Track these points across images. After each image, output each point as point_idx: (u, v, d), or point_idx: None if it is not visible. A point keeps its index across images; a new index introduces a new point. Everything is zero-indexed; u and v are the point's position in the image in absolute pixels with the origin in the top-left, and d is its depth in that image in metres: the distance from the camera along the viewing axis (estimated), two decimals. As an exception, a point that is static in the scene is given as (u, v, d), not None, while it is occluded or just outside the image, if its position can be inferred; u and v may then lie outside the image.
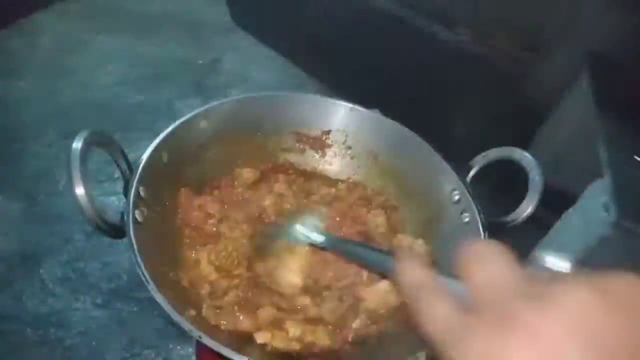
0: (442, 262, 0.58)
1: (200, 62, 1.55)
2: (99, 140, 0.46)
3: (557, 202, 1.14)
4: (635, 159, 1.02)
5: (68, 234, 1.10)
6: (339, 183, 0.68)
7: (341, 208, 0.61)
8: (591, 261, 0.95)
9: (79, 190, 0.43)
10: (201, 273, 0.52)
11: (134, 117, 1.27)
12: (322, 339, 0.51)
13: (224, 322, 0.48)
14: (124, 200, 0.49)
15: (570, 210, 1.10)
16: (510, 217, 0.56)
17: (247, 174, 0.63)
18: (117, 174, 1.13)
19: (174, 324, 0.43)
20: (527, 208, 0.55)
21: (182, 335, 1.00)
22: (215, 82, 1.47)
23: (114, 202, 1.13)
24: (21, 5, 1.57)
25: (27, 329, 0.96)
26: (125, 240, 1.07)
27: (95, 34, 1.56)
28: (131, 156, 0.54)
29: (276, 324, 0.50)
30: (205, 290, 0.51)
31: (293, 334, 0.50)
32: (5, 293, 1.00)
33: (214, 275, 0.52)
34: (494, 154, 0.59)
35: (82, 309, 1.00)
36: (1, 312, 0.97)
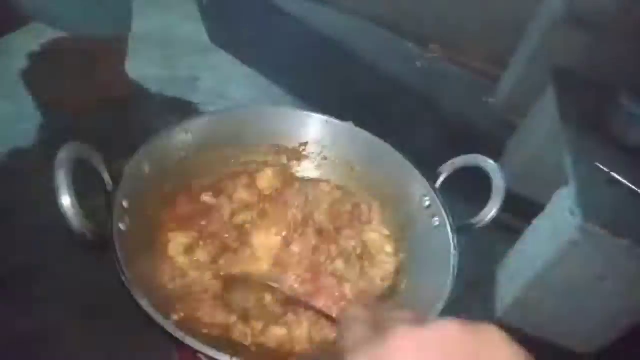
0: (413, 267, 0.61)
1: (177, 81, 1.57)
2: (83, 152, 0.48)
3: (527, 210, 1.20)
4: (597, 165, 1.08)
5: (45, 251, 1.09)
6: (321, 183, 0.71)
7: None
8: (562, 263, 1.00)
9: (65, 201, 0.44)
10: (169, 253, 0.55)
11: (110, 134, 1.27)
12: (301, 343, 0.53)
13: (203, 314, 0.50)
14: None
15: (540, 217, 1.15)
16: (476, 220, 0.59)
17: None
18: (83, 189, 1.13)
19: (155, 327, 0.44)
20: (491, 210, 0.59)
21: (161, 350, 1.00)
22: (194, 100, 1.49)
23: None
24: (-3, 26, 1.57)
25: (10, 347, 0.95)
26: (106, 253, 1.07)
27: (68, 56, 1.57)
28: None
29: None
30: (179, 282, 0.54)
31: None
32: (-10, 311, 0.98)
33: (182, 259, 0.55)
34: (460, 161, 0.63)
35: (65, 326, 0.99)
36: (-16, 330, 0.96)
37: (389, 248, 0.65)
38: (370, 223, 0.68)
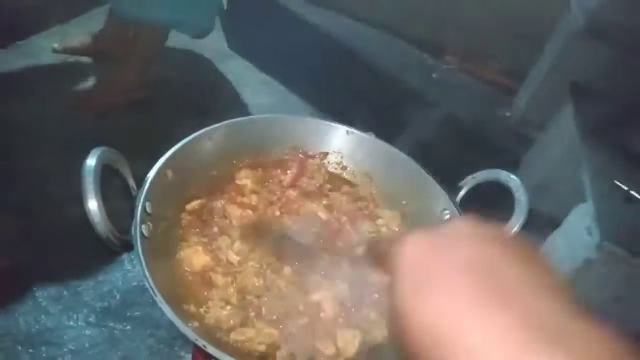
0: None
1: (198, 86, 1.59)
2: (110, 158, 0.48)
3: (542, 226, 1.18)
4: (616, 183, 1.07)
5: (62, 252, 1.10)
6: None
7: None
8: (577, 282, 0.98)
9: (92, 206, 0.45)
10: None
11: (131, 138, 1.29)
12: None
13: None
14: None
15: (555, 233, 1.14)
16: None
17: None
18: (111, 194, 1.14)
19: (175, 335, 0.45)
20: (513, 227, 0.58)
21: (174, 354, 1.00)
22: (212, 105, 1.50)
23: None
24: (20, 26, 1.60)
25: (19, 346, 0.96)
26: (122, 257, 1.07)
27: (92, 60, 1.59)
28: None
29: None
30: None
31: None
32: (-1, 311, 1.00)
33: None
34: (482, 175, 0.63)
35: (74, 327, 1.00)
36: (-6, 329, 0.97)
37: None
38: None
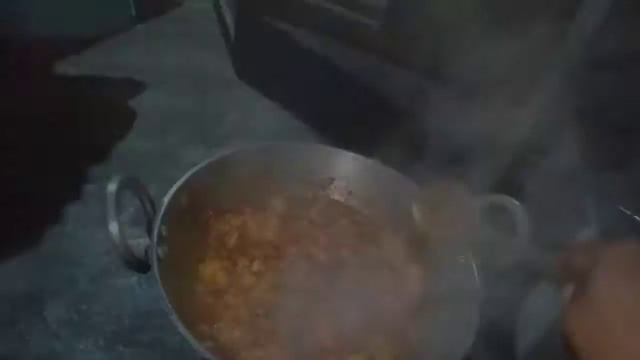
0: (439, 299, 0.62)
1: (205, 113, 1.63)
2: (129, 183, 0.51)
3: (549, 251, 1.19)
4: (621, 209, 1.07)
5: (72, 276, 1.11)
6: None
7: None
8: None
9: (114, 229, 0.47)
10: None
11: (141, 163, 1.32)
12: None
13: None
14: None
15: (560, 258, 1.14)
16: (500, 261, 0.60)
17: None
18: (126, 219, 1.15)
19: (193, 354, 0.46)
20: (516, 250, 0.60)
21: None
22: (219, 132, 1.54)
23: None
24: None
25: (30, 370, 0.96)
26: (132, 282, 1.09)
27: (104, 86, 1.64)
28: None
29: None
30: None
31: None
32: (9, 334, 1.00)
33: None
34: (484, 201, 0.65)
35: (84, 351, 1.00)
36: (4, 353, 0.97)
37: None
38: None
